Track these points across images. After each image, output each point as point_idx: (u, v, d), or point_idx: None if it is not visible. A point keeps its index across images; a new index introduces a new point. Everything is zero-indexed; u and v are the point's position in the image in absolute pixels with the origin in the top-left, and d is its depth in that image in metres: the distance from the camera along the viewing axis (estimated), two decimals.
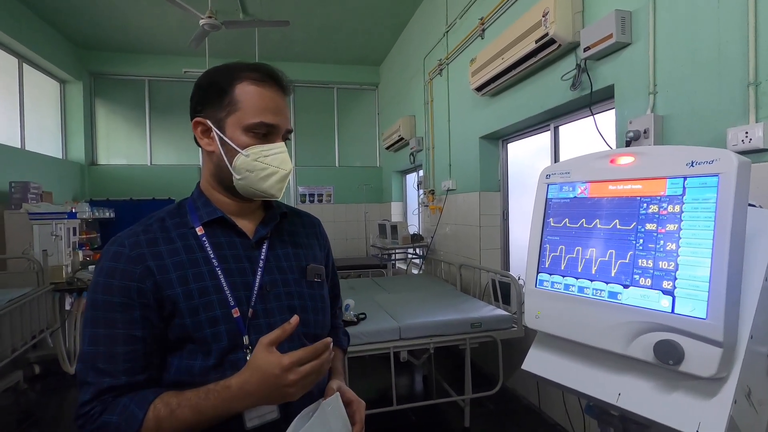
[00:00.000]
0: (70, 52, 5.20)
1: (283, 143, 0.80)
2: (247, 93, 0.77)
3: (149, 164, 5.80)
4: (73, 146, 5.43)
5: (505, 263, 3.35)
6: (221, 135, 0.78)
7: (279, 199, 0.82)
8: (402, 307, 2.72)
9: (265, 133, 0.78)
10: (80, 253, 3.87)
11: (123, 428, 0.66)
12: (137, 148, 5.81)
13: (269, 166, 0.78)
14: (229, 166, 0.78)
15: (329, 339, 0.71)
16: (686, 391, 0.71)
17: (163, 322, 0.74)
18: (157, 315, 0.73)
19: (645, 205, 0.77)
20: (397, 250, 4.55)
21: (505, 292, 2.82)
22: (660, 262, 0.73)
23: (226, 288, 0.76)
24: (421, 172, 4.68)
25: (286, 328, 0.68)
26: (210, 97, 0.79)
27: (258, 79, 0.78)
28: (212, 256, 0.78)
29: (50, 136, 5.16)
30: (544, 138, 2.86)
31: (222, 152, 0.78)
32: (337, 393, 0.79)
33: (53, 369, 3.43)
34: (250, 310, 0.77)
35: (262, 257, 0.82)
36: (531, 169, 3.15)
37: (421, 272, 4.57)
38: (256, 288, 0.79)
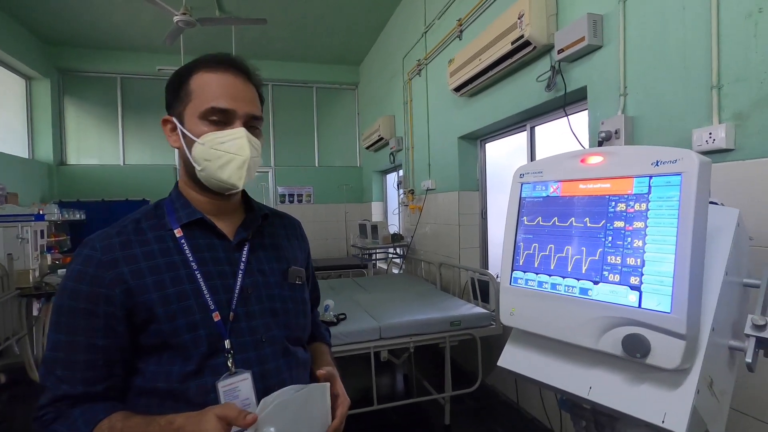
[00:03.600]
0: (36, 48, 5.00)
1: (241, 129, 0.75)
2: (201, 81, 0.76)
3: (122, 164, 5.63)
4: (41, 146, 5.22)
5: (484, 261, 3.39)
6: (181, 128, 0.77)
7: (240, 188, 0.78)
8: (382, 306, 2.72)
9: (220, 120, 0.75)
10: (48, 257, 3.72)
11: None
12: (109, 148, 5.63)
13: (226, 153, 0.74)
14: (190, 157, 0.77)
15: None
16: (653, 382, 0.73)
17: (132, 332, 0.72)
18: (123, 325, 0.71)
19: (613, 203, 0.80)
20: (377, 250, 4.55)
21: (484, 290, 2.85)
22: (628, 259, 0.76)
23: (205, 291, 0.74)
24: (400, 172, 4.70)
25: (247, 420, 0.62)
26: (173, 93, 0.79)
27: (213, 66, 0.77)
28: (191, 258, 0.76)
29: (15, 135, 4.94)
30: (521, 138, 2.91)
31: (184, 145, 0.78)
32: (327, 384, 0.76)
33: (20, 378, 3.29)
34: (231, 313, 0.76)
35: (243, 259, 0.80)
36: (509, 169, 3.20)
37: (401, 272, 4.59)
38: (236, 291, 0.77)
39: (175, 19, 3.59)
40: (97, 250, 0.72)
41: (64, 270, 0.81)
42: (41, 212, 3.71)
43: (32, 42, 4.92)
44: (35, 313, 3.42)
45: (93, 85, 5.59)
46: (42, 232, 3.64)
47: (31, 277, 3.26)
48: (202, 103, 0.75)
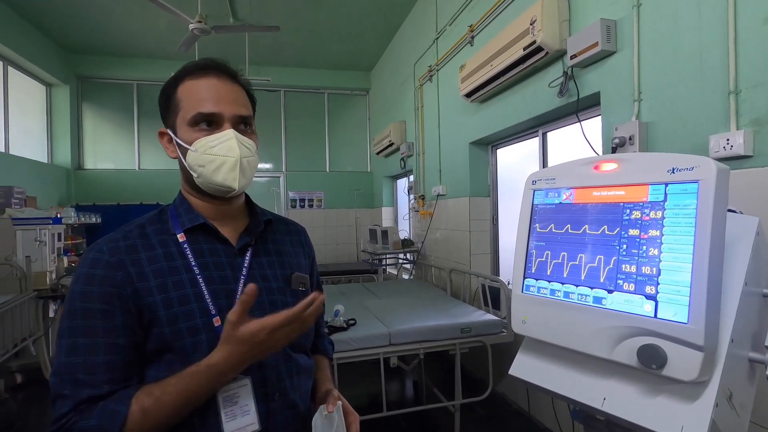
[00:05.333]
0: (56, 56, 5.14)
1: (230, 131, 0.76)
2: (186, 89, 0.77)
3: (137, 169, 5.74)
4: (59, 150, 5.35)
5: (495, 268, 3.36)
6: (175, 138, 0.78)
7: (237, 190, 0.77)
8: (392, 312, 2.71)
9: (208, 124, 0.76)
10: (65, 259, 3.80)
11: (105, 428, 0.63)
12: (125, 153, 5.74)
13: (217, 157, 0.75)
14: (187, 166, 0.78)
15: (313, 296, 0.70)
16: (669, 395, 0.72)
17: (144, 331, 0.72)
18: (138, 323, 0.71)
19: (628, 211, 0.78)
20: (387, 255, 4.55)
21: (494, 296, 2.83)
22: (643, 268, 0.74)
23: (207, 296, 0.75)
24: (411, 178, 4.70)
25: (244, 300, 0.66)
26: (164, 105, 0.80)
27: (196, 72, 0.78)
28: (193, 263, 0.76)
29: (35, 140, 5.08)
30: (533, 144, 2.89)
31: (180, 155, 0.79)
32: (340, 403, 0.79)
33: (36, 378, 3.35)
34: None
35: (245, 264, 0.80)
36: (520, 175, 3.18)
37: (411, 277, 4.57)
38: (238, 296, 0.77)
39: (191, 26, 3.66)
40: (104, 253, 0.72)
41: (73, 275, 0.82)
42: (59, 215, 3.79)
43: (52, 50, 5.06)
44: (51, 314, 3.48)
45: (110, 91, 5.72)
46: (59, 235, 3.72)
47: (48, 279, 3.32)
48: (189, 110, 0.76)
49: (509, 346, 2.59)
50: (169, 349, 0.71)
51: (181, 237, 0.78)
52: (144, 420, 0.65)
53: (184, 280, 0.75)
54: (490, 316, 2.63)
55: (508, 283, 2.68)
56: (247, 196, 0.89)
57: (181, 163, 0.80)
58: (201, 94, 0.76)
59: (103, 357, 0.68)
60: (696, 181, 0.70)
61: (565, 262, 0.87)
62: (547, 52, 2.21)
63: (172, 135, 0.79)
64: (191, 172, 0.78)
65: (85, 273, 0.71)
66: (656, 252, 0.73)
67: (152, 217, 0.81)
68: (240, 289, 0.78)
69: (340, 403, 0.80)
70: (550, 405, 2.39)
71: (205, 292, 0.75)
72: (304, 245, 0.96)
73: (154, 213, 0.83)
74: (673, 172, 0.73)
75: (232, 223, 0.84)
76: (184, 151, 0.77)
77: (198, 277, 0.76)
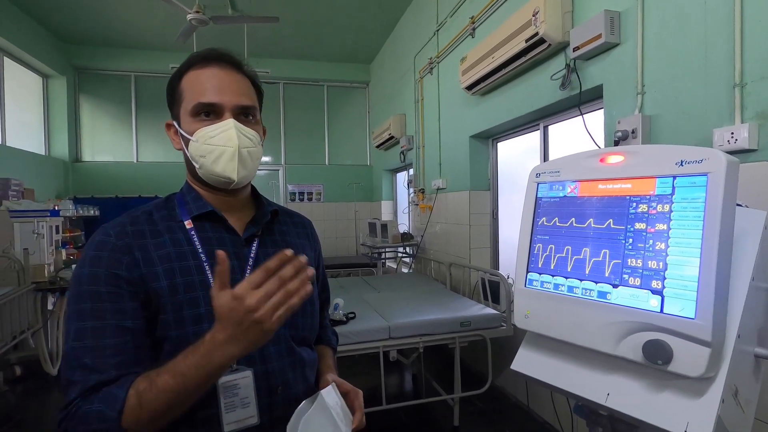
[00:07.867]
0: (53, 47, 5.08)
1: (229, 120, 0.75)
2: (189, 80, 0.77)
3: (135, 161, 5.70)
4: (57, 142, 5.31)
5: (495, 262, 3.36)
6: (179, 128, 0.78)
7: (236, 180, 0.76)
8: (392, 306, 2.71)
9: (209, 114, 0.76)
10: (63, 252, 3.78)
11: (105, 412, 0.61)
12: (123, 145, 5.70)
13: (216, 147, 0.74)
14: (189, 157, 0.77)
15: (288, 251, 0.62)
16: (675, 390, 0.71)
17: (152, 317, 0.71)
18: (145, 307, 0.70)
19: (634, 204, 0.77)
20: (387, 249, 4.54)
21: (494, 290, 2.82)
22: (649, 262, 0.73)
23: (212, 284, 0.74)
24: (411, 171, 4.68)
25: (220, 271, 0.61)
26: (170, 96, 0.80)
27: (200, 62, 0.77)
28: (200, 250, 0.75)
29: (32, 132, 5.03)
30: (534, 137, 2.87)
31: (183, 145, 0.78)
32: (333, 383, 0.78)
33: (35, 370, 3.35)
34: None
35: (252, 255, 0.80)
36: (521, 169, 3.16)
37: (411, 271, 4.57)
38: None
39: (189, 17, 3.62)
40: (110, 236, 0.72)
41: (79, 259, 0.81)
42: (56, 208, 3.77)
43: (49, 40, 5.00)
44: (50, 307, 3.47)
45: (108, 82, 5.67)
46: (57, 227, 3.70)
47: (46, 272, 3.31)
48: (191, 100, 0.76)
49: (509, 340, 2.59)
50: (170, 337, 0.70)
51: (188, 224, 0.78)
52: (139, 402, 0.61)
53: (191, 267, 0.74)
54: (490, 310, 2.63)
55: (508, 277, 2.67)
56: (253, 188, 0.89)
57: (185, 155, 0.79)
58: (203, 84, 0.76)
59: (111, 340, 0.66)
60: (705, 174, 0.68)
61: (570, 256, 0.85)
62: (549, 44, 2.18)
63: (176, 125, 0.79)
64: (193, 162, 0.77)
65: (91, 255, 0.70)
66: (663, 246, 0.72)
67: (159, 204, 0.81)
68: None
69: (332, 384, 0.78)
70: (550, 399, 2.40)
71: (211, 280, 0.74)
72: (310, 238, 0.96)
73: (160, 200, 0.82)
74: (681, 164, 0.72)
75: (238, 213, 0.83)
76: (187, 142, 0.77)
77: (204, 264, 0.75)
